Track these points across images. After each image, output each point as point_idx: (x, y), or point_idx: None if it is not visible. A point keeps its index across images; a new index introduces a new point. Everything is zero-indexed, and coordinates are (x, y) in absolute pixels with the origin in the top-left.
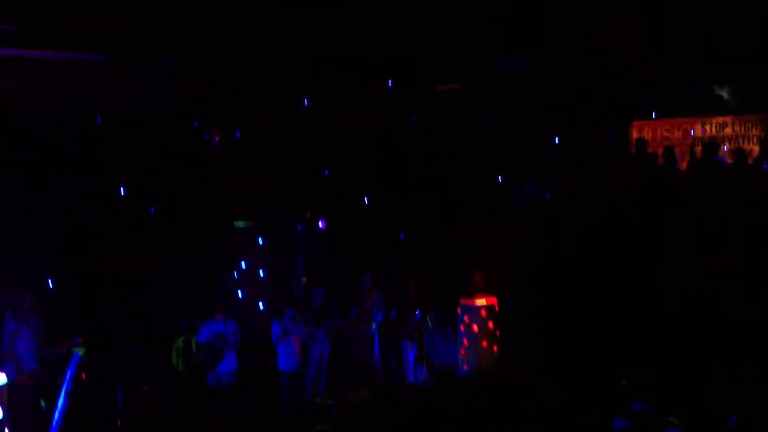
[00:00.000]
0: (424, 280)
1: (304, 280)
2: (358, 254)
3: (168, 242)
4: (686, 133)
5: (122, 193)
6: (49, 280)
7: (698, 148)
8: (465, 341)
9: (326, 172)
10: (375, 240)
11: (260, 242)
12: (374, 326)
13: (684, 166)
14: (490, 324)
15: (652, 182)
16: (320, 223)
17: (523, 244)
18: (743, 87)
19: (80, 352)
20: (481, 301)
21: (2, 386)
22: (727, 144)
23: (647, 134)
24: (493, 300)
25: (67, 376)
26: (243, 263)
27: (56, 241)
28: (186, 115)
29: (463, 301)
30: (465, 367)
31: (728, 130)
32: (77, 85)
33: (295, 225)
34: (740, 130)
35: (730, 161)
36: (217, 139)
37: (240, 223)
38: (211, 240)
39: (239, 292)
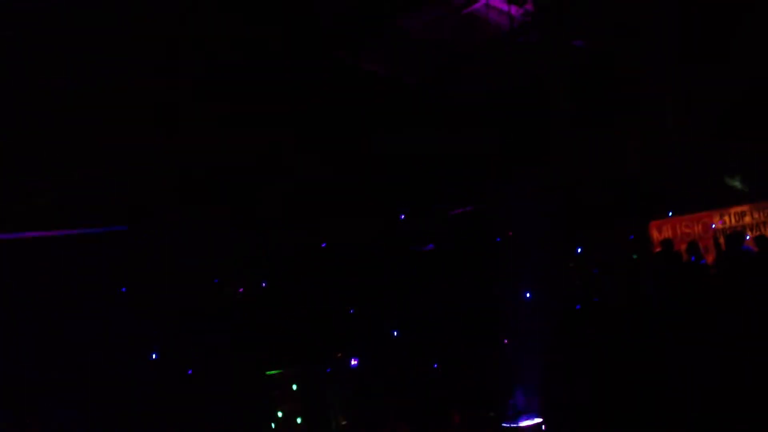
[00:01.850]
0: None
1: (344, 423)
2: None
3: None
4: (706, 226)
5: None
6: None
7: (722, 240)
8: None
9: (351, 310)
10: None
11: (294, 389)
12: None
13: (710, 259)
14: None
15: (682, 279)
16: (352, 362)
17: None
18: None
19: None
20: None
21: None
22: (749, 233)
23: (667, 232)
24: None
25: None
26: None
27: None
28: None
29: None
30: None
31: (747, 219)
32: None
33: (326, 368)
34: (759, 216)
35: (756, 249)
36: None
37: (272, 372)
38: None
39: None
